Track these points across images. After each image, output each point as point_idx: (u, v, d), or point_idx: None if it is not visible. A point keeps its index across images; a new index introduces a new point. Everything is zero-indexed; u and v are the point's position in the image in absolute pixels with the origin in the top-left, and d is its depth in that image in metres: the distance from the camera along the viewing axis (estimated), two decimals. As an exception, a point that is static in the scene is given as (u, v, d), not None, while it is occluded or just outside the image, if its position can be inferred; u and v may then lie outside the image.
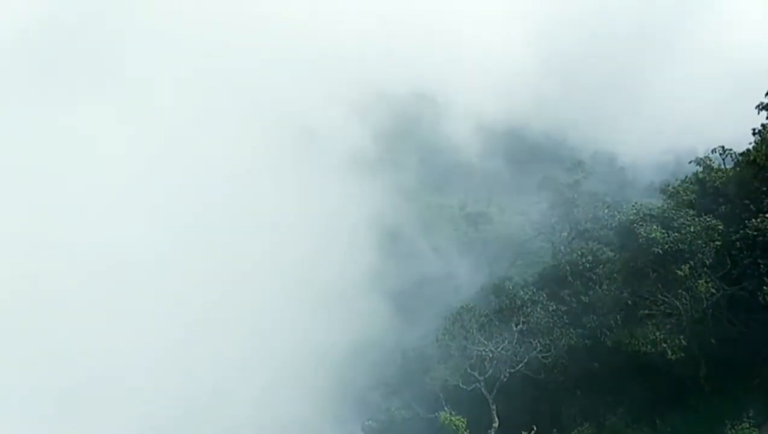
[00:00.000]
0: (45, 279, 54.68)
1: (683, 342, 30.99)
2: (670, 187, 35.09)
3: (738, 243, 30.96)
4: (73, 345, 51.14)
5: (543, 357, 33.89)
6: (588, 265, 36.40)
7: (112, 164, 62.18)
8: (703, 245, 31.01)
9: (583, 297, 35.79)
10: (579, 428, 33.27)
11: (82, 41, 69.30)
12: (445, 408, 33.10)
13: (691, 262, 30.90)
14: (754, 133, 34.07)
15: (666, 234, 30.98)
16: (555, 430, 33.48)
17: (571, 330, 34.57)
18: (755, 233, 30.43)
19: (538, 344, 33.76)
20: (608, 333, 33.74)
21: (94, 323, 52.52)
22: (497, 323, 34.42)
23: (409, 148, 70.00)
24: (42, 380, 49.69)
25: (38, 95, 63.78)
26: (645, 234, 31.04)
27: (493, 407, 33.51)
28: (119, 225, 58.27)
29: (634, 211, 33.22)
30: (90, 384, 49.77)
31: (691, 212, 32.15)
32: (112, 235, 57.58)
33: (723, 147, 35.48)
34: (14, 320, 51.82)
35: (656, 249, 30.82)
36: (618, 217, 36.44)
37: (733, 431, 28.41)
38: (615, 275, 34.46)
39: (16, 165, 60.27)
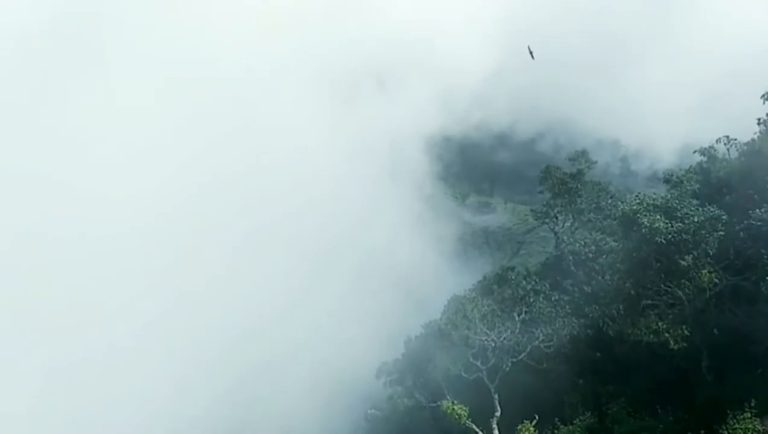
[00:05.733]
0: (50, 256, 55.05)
1: (686, 332, 31.01)
2: (673, 177, 35.01)
3: (742, 233, 30.89)
4: (80, 323, 51.63)
5: (545, 346, 33.86)
6: (591, 255, 36.30)
7: (137, 132, 62.33)
8: (707, 235, 30.93)
9: (585, 287, 35.75)
10: (581, 417, 33.34)
11: (91, 29, 69.21)
12: (448, 397, 33.14)
13: (695, 252, 30.86)
14: (758, 123, 33.98)
15: (669, 224, 30.91)
16: (557, 419, 33.53)
17: (574, 319, 34.51)
18: (759, 223, 30.35)
19: (541, 334, 33.71)
20: (611, 323, 33.73)
21: (108, 299, 53.02)
22: (500, 313, 34.36)
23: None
24: (47, 356, 50.18)
25: (44, 89, 63.89)
26: (648, 224, 30.96)
27: (495, 396, 33.59)
28: (136, 203, 58.57)
29: (638, 201, 33.09)
30: (98, 367, 50.32)
31: (695, 202, 32.08)
32: (125, 215, 57.94)
33: (728, 137, 35.40)
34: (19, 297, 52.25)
35: (659, 239, 30.76)
36: (621, 206, 36.29)
37: (735, 421, 28.45)
38: (618, 265, 34.41)
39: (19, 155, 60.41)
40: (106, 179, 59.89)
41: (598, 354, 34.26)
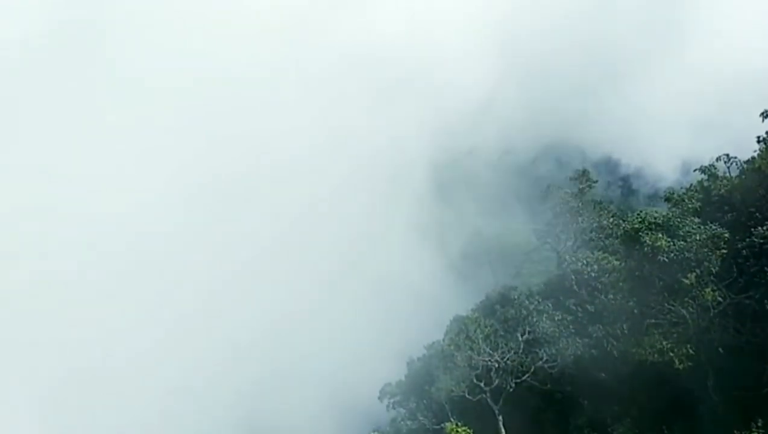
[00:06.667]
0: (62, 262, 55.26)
1: (690, 351, 30.87)
2: (675, 195, 34.98)
3: (744, 251, 30.90)
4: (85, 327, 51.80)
5: (549, 367, 33.66)
6: (593, 274, 36.09)
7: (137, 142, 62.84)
8: (709, 253, 30.90)
9: (588, 307, 35.52)
10: (586, 438, 33.09)
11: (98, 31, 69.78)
12: (451, 419, 32.83)
13: (698, 271, 30.80)
14: (758, 141, 34.05)
15: (671, 243, 30.91)
16: (562, 441, 33.29)
17: (577, 339, 34.29)
18: (761, 241, 30.37)
19: (544, 354, 33.55)
20: (615, 342, 33.53)
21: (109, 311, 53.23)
22: (503, 333, 34.25)
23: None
24: (50, 361, 50.36)
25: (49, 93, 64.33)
26: (650, 243, 30.97)
27: (500, 418, 33.35)
28: (141, 214, 58.88)
29: (639, 220, 33.10)
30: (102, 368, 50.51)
31: (697, 220, 32.07)
32: (135, 223, 58.23)
33: (728, 155, 35.51)
34: (27, 301, 52.51)
35: (662, 258, 30.75)
36: (623, 225, 36.27)
37: (742, 441, 28.19)
38: (621, 284, 34.26)
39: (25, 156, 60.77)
40: (110, 183, 60.34)
41: (603, 375, 33.99)
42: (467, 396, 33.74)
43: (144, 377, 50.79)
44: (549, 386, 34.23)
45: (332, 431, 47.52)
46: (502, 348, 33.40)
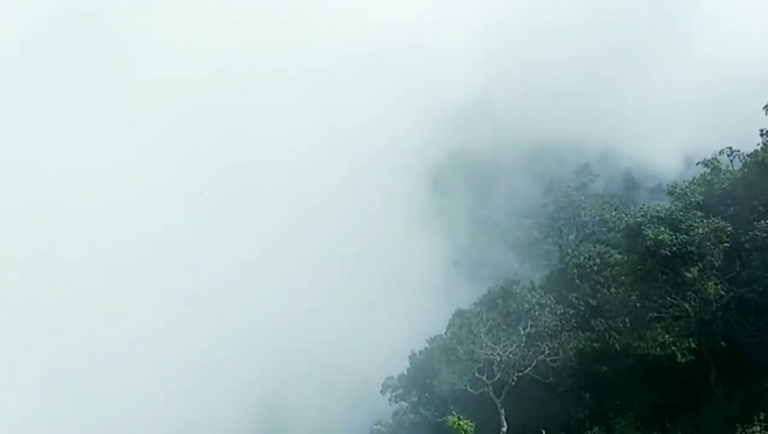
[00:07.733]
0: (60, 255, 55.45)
1: (692, 344, 30.90)
2: (677, 189, 34.88)
3: (747, 244, 30.83)
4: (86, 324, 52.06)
5: (551, 360, 33.74)
6: (596, 268, 36.21)
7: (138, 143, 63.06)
8: (712, 247, 30.83)
9: (591, 300, 35.61)
10: (588, 432, 33.07)
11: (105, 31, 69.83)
12: (453, 412, 32.90)
13: (700, 264, 30.74)
14: (762, 134, 33.90)
15: (674, 236, 30.82)
16: (564, 434, 33.31)
17: (580, 333, 34.42)
18: (764, 234, 30.27)
19: (546, 347, 33.62)
20: (617, 336, 33.62)
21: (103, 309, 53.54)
22: (505, 327, 34.30)
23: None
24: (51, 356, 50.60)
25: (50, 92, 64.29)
26: (653, 236, 30.89)
27: (502, 411, 33.41)
28: (138, 210, 59.07)
29: (642, 213, 33.07)
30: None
31: (699, 214, 31.94)
32: (133, 218, 58.43)
33: (731, 148, 35.41)
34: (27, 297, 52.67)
35: (664, 251, 30.67)
36: (625, 219, 36.35)
37: (745, 434, 28.16)
38: (623, 277, 34.25)
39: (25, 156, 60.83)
40: (109, 182, 60.45)
41: (605, 368, 34.06)
42: (469, 389, 33.82)
43: (143, 377, 50.93)
44: (551, 379, 34.28)
45: (335, 424, 47.58)
46: (504, 341, 33.46)
